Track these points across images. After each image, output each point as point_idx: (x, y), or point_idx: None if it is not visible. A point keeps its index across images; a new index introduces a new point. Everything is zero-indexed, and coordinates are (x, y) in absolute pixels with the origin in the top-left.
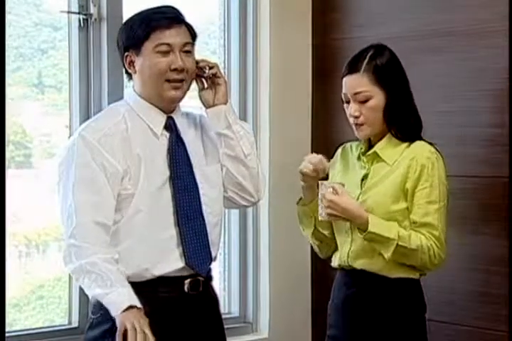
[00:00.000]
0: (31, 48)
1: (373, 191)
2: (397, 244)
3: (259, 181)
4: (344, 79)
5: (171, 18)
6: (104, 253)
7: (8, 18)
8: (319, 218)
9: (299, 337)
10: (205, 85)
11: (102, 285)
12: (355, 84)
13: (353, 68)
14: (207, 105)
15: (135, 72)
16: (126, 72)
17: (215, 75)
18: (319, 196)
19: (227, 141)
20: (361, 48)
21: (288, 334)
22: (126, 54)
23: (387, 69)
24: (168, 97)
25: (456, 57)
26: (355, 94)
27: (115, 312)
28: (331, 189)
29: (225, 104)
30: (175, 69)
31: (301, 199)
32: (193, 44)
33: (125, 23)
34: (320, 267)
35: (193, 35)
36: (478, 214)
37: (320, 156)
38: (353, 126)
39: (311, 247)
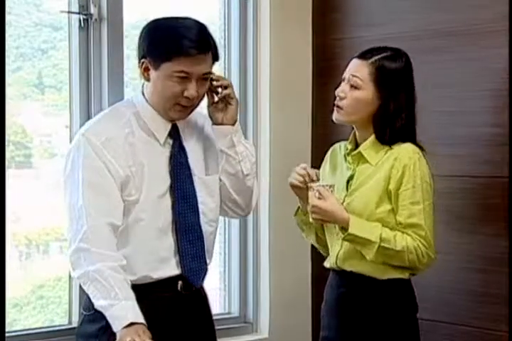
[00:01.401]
0: (31, 48)
1: (358, 193)
2: (380, 246)
3: (253, 198)
4: (352, 61)
5: (199, 47)
6: (113, 260)
7: (8, 18)
8: (310, 220)
9: (299, 337)
10: (216, 100)
11: (106, 296)
12: (356, 67)
13: (364, 55)
14: (215, 122)
15: (148, 80)
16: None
17: (228, 95)
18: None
19: (229, 159)
20: (386, 45)
21: (288, 334)
22: (143, 60)
23: (390, 76)
24: (173, 117)
25: (456, 57)
26: (352, 76)
27: (116, 328)
28: (317, 193)
29: (233, 124)
30: (187, 97)
31: (298, 209)
32: (211, 71)
33: (151, 29)
34: (320, 267)
35: (215, 59)
36: (477, 214)
37: (304, 165)
38: (334, 107)
39: (311, 247)
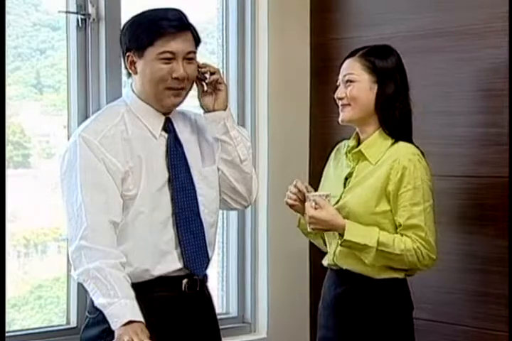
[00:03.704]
0: (30, 48)
1: (355, 191)
2: (377, 250)
3: (253, 185)
4: (342, 63)
5: (178, 26)
6: (113, 258)
7: (7, 18)
8: (308, 229)
9: (297, 336)
10: (205, 88)
11: (105, 294)
12: (347, 66)
13: (351, 53)
14: (206, 109)
15: (135, 73)
16: (126, 69)
17: (216, 81)
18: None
19: (225, 146)
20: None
21: (286, 334)
22: (127, 54)
23: (381, 63)
24: (166, 104)
25: (456, 57)
26: (344, 75)
27: (115, 326)
28: (313, 203)
29: (225, 110)
30: (176, 78)
31: (300, 219)
32: (196, 51)
33: (130, 22)
34: (318, 267)
35: (197, 41)
36: (477, 214)
37: (295, 182)
38: (339, 109)
39: (309, 248)
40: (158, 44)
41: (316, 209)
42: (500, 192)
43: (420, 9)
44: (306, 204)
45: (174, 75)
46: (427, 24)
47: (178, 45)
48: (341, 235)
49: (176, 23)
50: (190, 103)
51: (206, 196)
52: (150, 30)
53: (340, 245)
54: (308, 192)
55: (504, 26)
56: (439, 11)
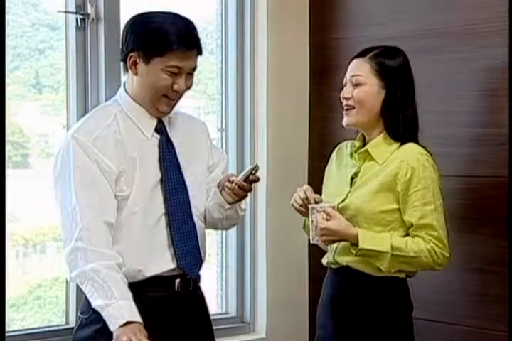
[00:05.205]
0: (29, 48)
1: (361, 190)
2: (392, 255)
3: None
4: (350, 62)
5: (190, 44)
6: (109, 259)
7: (6, 17)
8: (311, 241)
9: (296, 337)
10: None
11: (103, 295)
12: (355, 67)
13: (361, 53)
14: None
15: (135, 74)
16: (125, 65)
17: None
18: (310, 219)
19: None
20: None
21: (285, 334)
22: (131, 54)
23: (391, 67)
24: (160, 110)
25: (455, 57)
26: (352, 76)
27: (113, 326)
28: (324, 214)
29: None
30: (176, 90)
31: (305, 221)
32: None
33: (139, 24)
34: (317, 267)
35: (199, 53)
36: (477, 214)
37: (306, 187)
38: (344, 112)
39: (308, 247)
40: (169, 57)
41: (327, 220)
42: (499, 192)
43: (420, 9)
44: (317, 215)
45: (175, 88)
46: (427, 24)
47: (187, 62)
48: (353, 244)
49: (188, 41)
50: (187, 103)
51: (198, 197)
52: (161, 41)
53: (355, 255)
54: (316, 203)
55: (504, 26)
56: (439, 11)
